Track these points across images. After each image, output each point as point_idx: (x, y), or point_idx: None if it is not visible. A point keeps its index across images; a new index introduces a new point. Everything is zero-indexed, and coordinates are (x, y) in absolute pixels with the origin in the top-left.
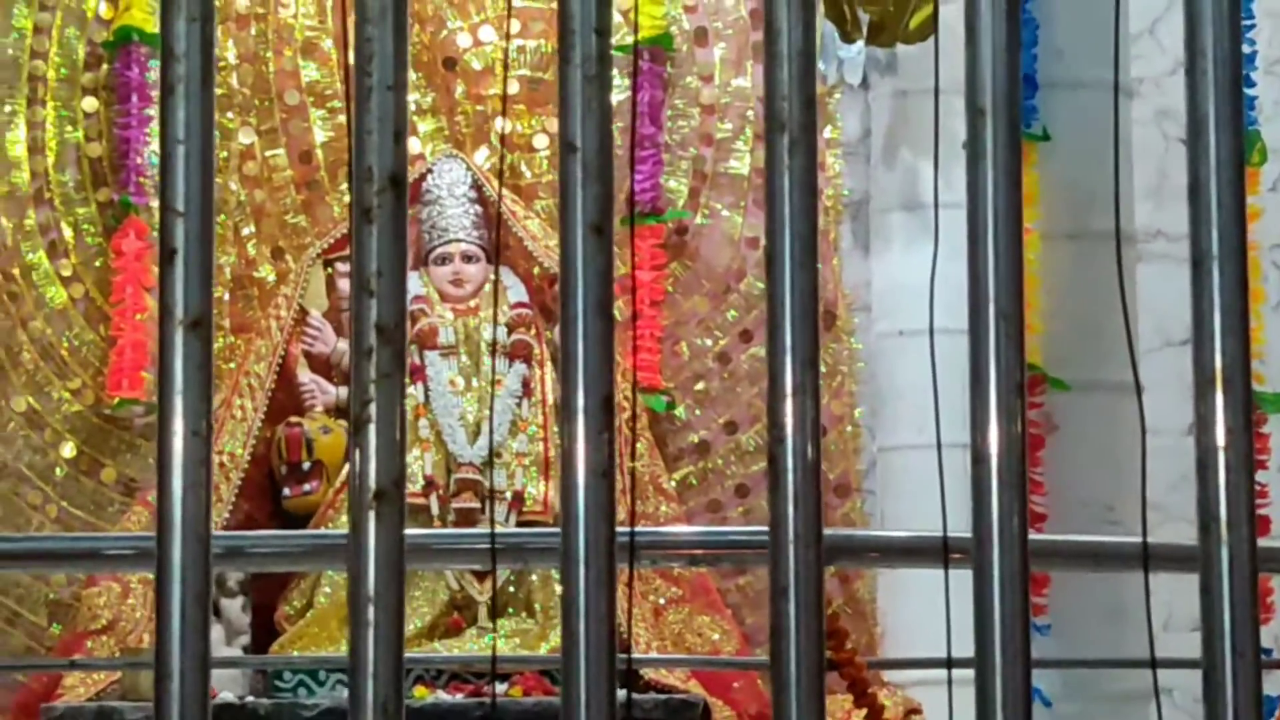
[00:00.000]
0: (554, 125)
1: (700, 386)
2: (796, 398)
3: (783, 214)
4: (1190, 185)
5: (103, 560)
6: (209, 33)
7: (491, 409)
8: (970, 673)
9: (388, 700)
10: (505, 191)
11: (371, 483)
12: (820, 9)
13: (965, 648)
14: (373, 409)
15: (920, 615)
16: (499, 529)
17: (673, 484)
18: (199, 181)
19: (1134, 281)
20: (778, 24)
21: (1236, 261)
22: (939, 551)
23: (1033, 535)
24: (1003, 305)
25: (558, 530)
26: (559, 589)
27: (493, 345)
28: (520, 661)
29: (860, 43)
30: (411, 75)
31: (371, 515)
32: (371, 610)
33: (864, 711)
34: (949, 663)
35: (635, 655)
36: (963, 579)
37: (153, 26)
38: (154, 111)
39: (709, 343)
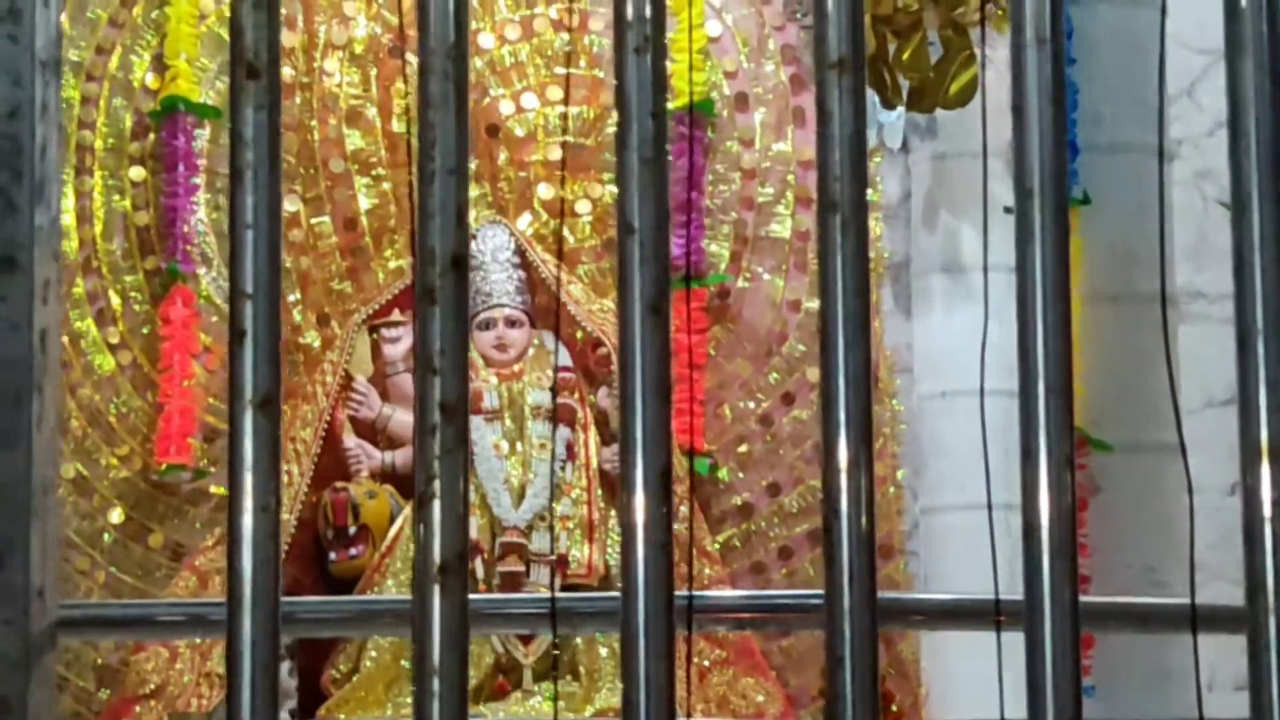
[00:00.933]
0: (597, 191)
1: (743, 449)
2: (851, 471)
3: (835, 293)
4: (1235, 261)
5: (158, 627)
6: (276, 120)
7: (552, 471)
8: None
9: None
10: (548, 257)
11: (436, 557)
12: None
13: (1013, 709)
14: (436, 485)
15: (965, 676)
16: (546, 593)
17: (716, 546)
18: (266, 264)
19: (1176, 342)
20: (829, 106)
21: None
22: (989, 614)
23: (1080, 598)
24: (1051, 380)
25: (617, 595)
26: (603, 651)
27: (553, 413)
28: None
29: (900, 108)
30: None
31: (436, 588)
32: (436, 681)
33: None
34: None
35: None
36: (1009, 641)
37: (199, 96)
38: (200, 180)
39: (751, 405)
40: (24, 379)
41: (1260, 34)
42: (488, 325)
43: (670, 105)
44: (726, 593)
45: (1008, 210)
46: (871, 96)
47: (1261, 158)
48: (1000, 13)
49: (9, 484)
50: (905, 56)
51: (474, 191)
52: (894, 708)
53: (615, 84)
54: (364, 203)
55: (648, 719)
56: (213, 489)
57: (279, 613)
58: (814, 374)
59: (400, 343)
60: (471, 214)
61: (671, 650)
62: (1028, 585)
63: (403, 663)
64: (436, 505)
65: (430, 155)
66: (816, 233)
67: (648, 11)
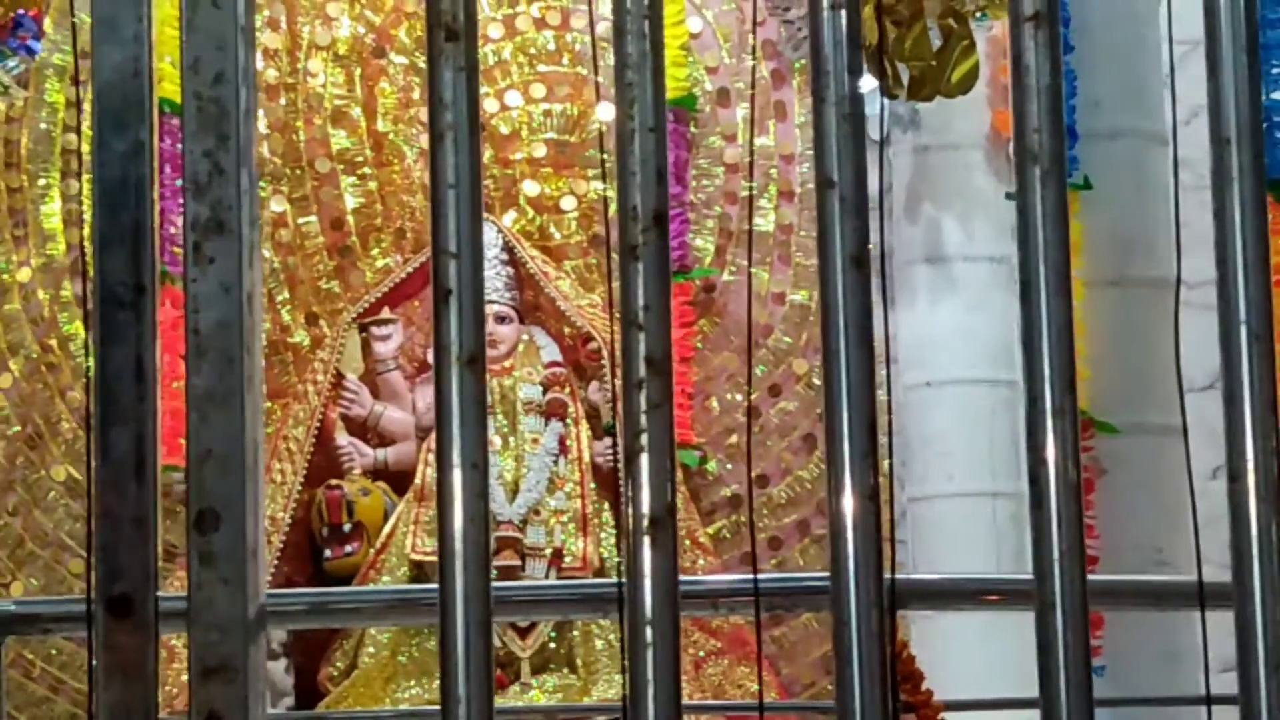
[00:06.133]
0: (581, 187)
1: (731, 441)
2: (1056, 419)
3: (1036, 243)
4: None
5: None
6: (474, 82)
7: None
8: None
9: (670, 717)
10: (535, 253)
11: (645, 510)
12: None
13: (1010, 688)
14: (645, 439)
15: (955, 659)
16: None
17: (707, 537)
18: (469, 224)
19: (1175, 330)
20: (1025, 59)
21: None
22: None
23: (1095, 577)
24: (1254, 326)
25: (824, 574)
26: (599, 644)
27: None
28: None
29: (882, 99)
30: None
31: (647, 541)
32: (649, 632)
33: None
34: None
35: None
36: (1008, 621)
37: None
38: None
39: (739, 398)
40: (235, 340)
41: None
42: None
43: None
44: (940, 576)
45: (1009, 196)
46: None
47: (1242, 161)
48: (997, 3)
49: (225, 443)
50: (907, 45)
51: None
52: (924, 687)
53: (809, 41)
54: (350, 202)
55: (863, 672)
56: None
57: (490, 569)
58: (800, 366)
59: (390, 340)
60: None
61: (880, 589)
62: (1234, 531)
63: (400, 659)
64: (645, 459)
65: (629, 114)
66: (1015, 184)
67: None
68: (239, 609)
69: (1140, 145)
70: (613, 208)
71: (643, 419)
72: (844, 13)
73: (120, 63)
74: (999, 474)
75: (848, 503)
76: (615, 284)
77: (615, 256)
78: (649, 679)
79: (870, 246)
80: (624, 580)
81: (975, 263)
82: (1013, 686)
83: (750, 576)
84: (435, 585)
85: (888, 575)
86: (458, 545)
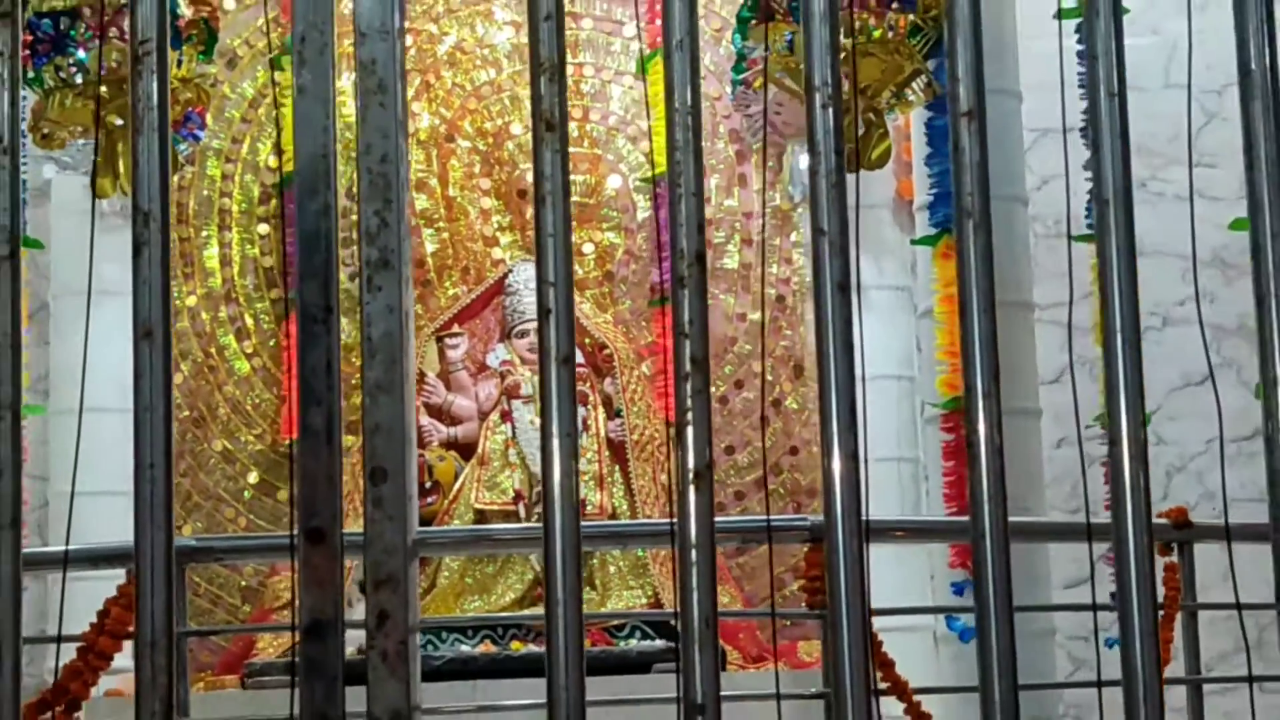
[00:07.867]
0: (598, 235)
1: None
2: (986, 400)
3: (970, 275)
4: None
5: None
6: (566, 161)
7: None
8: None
9: (708, 617)
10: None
11: (691, 466)
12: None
13: (913, 600)
14: (690, 415)
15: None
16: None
17: None
18: (564, 262)
19: (1033, 339)
20: (961, 143)
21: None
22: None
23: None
24: (1128, 335)
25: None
26: (612, 569)
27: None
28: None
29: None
30: (494, 203)
31: (692, 489)
32: (694, 553)
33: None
34: None
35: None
36: (904, 550)
37: None
38: None
39: (712, 389)
40: (397, 346)
41: (1267, 88)
42: (524, 334)
43: (650, 174)
44: (917, 518)
45: (914, 242)
46: (801, 164)
47: (1118, 221)
48: (903, 101)
49: (391, 420)
50: None
51: (509, 238)
52: None
53: (806, 128)
54: (429, 247)
55: (848, 611)
56: None
57: (579, 510)
58: (756, 366)
59: (459, 349)
60: (508, 254)
61: (860, 532)
62: (1114, 482)
63: (467, 580)
64: (690, 430)
65: (678, 183)
66: (956, 234)
67: (830, 78)
68: (400, 538)
69: (1006, 205)
70: (622, 249)
71: (689, 401)
72: (831, 110)
73: (314, 148)
74: (903, 444)
75: (836, 463)
76: (616, 306)
77: (625, 288)
78: (694, 588)
79: (808, 278)
80: (675, 520)
81: (884, 290)
82: (916, 600)
83: (766, 518)
84: (496, 526)
85: (865, 517)
86: (557, 493)
